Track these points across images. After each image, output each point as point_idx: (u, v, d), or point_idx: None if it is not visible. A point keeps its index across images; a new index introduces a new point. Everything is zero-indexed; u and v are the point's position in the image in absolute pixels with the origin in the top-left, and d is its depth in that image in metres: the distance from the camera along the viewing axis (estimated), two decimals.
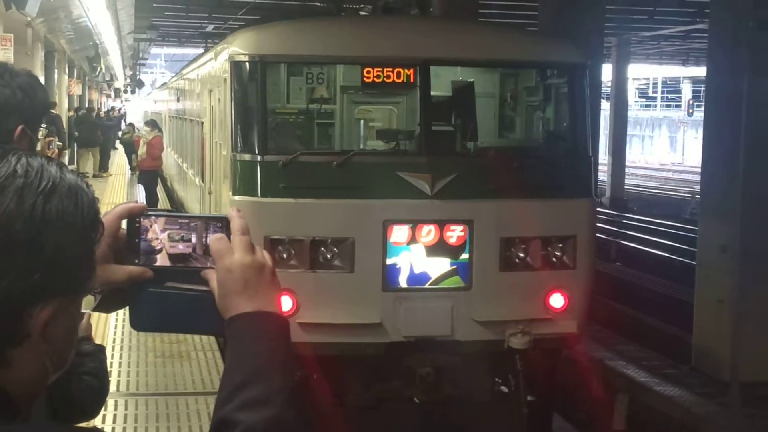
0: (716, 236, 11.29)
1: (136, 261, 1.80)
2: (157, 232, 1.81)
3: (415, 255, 8.49)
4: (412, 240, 8.49)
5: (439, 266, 8.55)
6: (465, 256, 8.59)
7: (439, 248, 8.51)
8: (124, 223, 1.81)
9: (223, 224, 1.79)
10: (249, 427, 1.58)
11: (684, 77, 68.76)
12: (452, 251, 8.56)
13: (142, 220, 1.81)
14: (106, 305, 1.83)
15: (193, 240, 1.81)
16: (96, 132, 29.70)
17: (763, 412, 10.33)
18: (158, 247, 1.81)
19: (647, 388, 10.94)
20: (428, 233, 8.47)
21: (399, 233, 8.46)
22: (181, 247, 1.81)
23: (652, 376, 11.35)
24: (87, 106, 38.00)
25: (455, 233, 8.55)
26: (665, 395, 10.71)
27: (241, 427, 1.58)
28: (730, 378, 10.02)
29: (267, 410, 1.60)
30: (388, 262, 8.46)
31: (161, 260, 1.81)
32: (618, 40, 44.79)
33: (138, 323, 1.85)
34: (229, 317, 1.70)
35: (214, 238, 1.76)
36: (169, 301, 1.80)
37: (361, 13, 15.37)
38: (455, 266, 8.60)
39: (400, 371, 8.72)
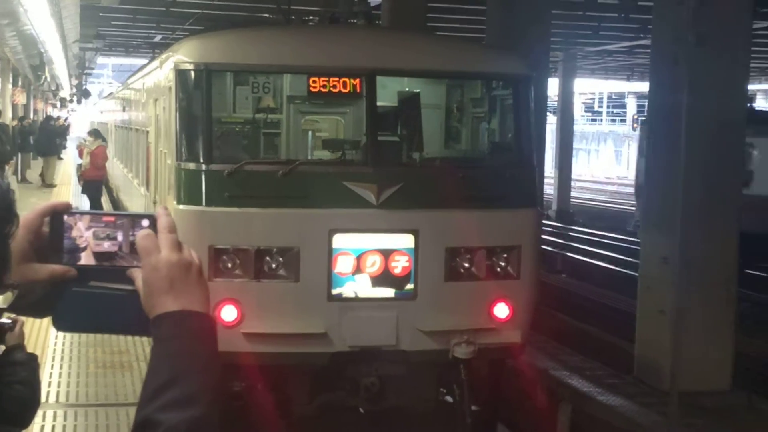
0: (658, 248, 11.44)
1: (60, 260, 1.76)
2: (82, 230, 1.77)
3: (360, 285, 8.52)
4: (357, 270, 8.51)
5: (384, 293, 8.60)
6: (410, 286, 8.63)
7: (384, 279, 8.56)
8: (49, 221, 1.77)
9: (150, 222, 1.76)
10: (171, 427, 1.56)
11: (629, 92, 69.65)
12: (397, 282, 8.60)
13: (66, 217, 1.77)
14: (31, 308, 1.78)
15: (120, 238, 1.77)
16: (55, 141, 29.35)
17: (702, 421, 10.47)
18: (83, 246, 1.77)
19: (590, 398, 11.03)
20: (373, 264, 8.50)
21: (344, 263, 8.47)
22: (106, 246, 1.77)
23: (595, 386, 11.45)
24: (46, 114, 37.53)
25: (400, 263, 8.59)
26: (607, 405, 10.81)
27: (163, 427, 1.55)
28: (669, 388, 10.14)
29: (190, 410, 1.57)
30: (334, 276, 8.47)
31: (86, 259, 1.77)
32: (564, 55, 45.26)
33: (61, 323, 1.80)
34: (154, 316, 1.67)
35: (140, 236, 1.73)
36: (93, 301, 1.76)
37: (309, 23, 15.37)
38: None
39: (344, 381, 8.71)
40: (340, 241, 8.54)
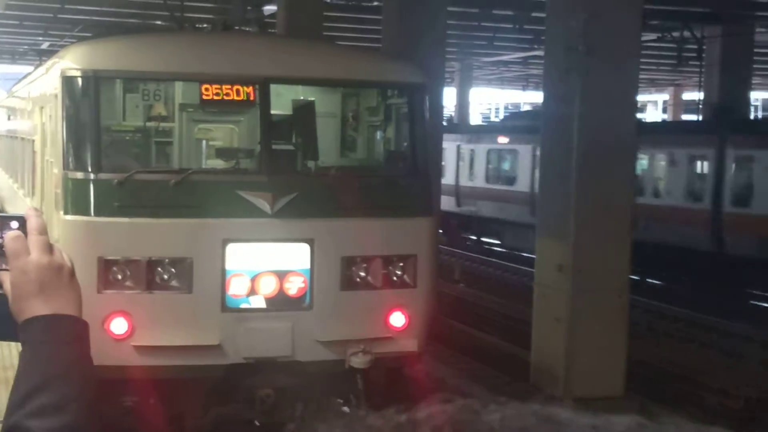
0: (553, 256, 11.59)
1: None
2: None
3: (254, 306, 8.48)
4: (252, 292, 8.41)
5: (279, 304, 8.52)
6: (306, 297, 8.55)
7: (279, 301, 8.52)
8: None
9: (19, 224, 1.68)
10: None
11: (524, 102, 70.76)
12: (292, 303, 8.55)
13: None
14: None
15: None
16: None
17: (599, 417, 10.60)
18: None
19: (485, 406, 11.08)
20: (268, 285, 8.43)
21: (238, 285, 8.38)
22: None
23: (492, 394, 11.52)
24: None
25: (295, 284, 8.52)
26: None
27: None
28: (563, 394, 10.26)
29: (61, 417, 1.53)
30: (227, 310, 8.37)
31: None
32: (460, 65, 45.79)
33: None
34: (23, 320, 1.62)
35: (9, 237, 1.66)
36: None
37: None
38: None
39: (239, 394, 8.58)
40: (234, 251, 8.41)
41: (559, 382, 10.79)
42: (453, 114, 48.82)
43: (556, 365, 11.23)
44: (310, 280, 8.61)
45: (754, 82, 37.22)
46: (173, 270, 8.33)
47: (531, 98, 64.45)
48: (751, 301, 22.35)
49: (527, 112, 42.85)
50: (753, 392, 12.82)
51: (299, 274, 8.58)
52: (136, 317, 8.23)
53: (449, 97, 48.22)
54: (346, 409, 8.86)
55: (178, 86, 9.36)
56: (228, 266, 8.40)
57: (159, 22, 23.42)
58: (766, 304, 22.10)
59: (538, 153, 29.41)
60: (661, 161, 26.02)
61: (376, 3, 23.49)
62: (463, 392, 11.59)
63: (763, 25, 30.62)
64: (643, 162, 25.25)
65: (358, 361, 8.54)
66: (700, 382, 13.49)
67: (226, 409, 8.62)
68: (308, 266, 8.60)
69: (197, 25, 13.93)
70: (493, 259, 28.33)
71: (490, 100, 76.53)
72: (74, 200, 8.38)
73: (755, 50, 32.56)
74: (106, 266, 8.18)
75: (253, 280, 8.46)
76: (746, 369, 15.86)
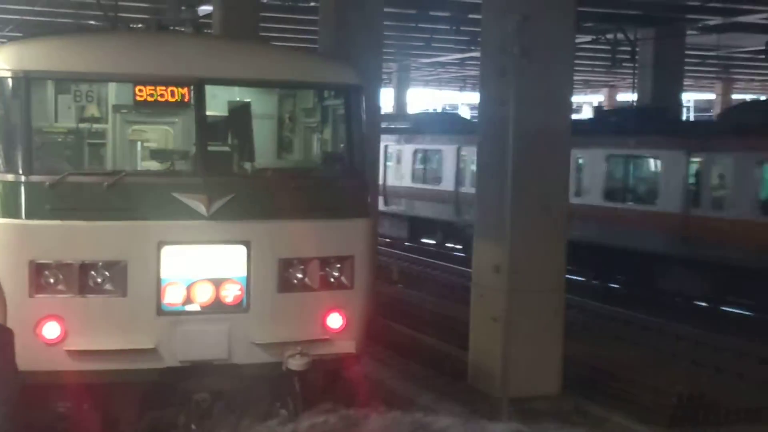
0: (490, 257, 11.65)
1: None
2: None
3: (191, 309, 8.42)
4: (188, 301, 8.36)
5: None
6: (243, 299, 8.49)
7: (215, 304, 8.47)
8: None
9: None
10: None
11: (462, 103, 71.13)
12: (229, 306, 8.50)
13: None
14: None
15: None
16: None
17: (531, 426, 10.69)
18: None
19: (424, 406, 11.12)
20: (204, 293, 8.39)
21: (173, 294, 8.32)
22: None
23: (430, 394, 11.56)
24: None
25: (231, 293, 8.47)
26: (441, 412, 10.90)
27: None
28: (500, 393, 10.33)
29: None
30: (163, 313, 8.30)
31: None
32: (398, 66, 45.89)
33: None
34: None
35: None
36: None
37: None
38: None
39: (175, 397, 8.49)
40: (169, 253, 8.32)
41: (496, 382, 10.85)
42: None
43: (493, 365, 11.29)
44: (247, 283, 8.55)
45: (685, 83, 37.85)
46: (107, 273, 8.23)
47: (468, 99, 64.87)
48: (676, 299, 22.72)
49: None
50: (684, 389, 13.00)
51: (236, 282, 8.51)
52: (69, 321, 8.11)
53: (387, 98, 48.33)
54: (283, 411, 8.82)
55: (112, 87, 9.24)
56: (163, 269, 8.31)
57: (92, 22, 23.11)
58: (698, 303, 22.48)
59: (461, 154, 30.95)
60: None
61: (312, 3, 23.45)
62: (401, 393, 11.61)
63: (695, 28, 31.15)
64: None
65: (296, 364, 8.51)
66: (633, 380, 13.65)
67: (161, 414, 8.53)
68: (245, 269, 8.54)
69: (131, 25, 13.76)
70: (431, 260, 28.42)
71: (428, 101, 76.77)
72: (5, 203, 8.23)
73: (687, 52, 33.14)
74: (37, 270, 8.04)
75: (189, 288, 8.38)
76: (678, 367, 16.11)
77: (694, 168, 21.98)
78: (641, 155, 23.98)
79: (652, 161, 23.86)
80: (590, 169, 24.87)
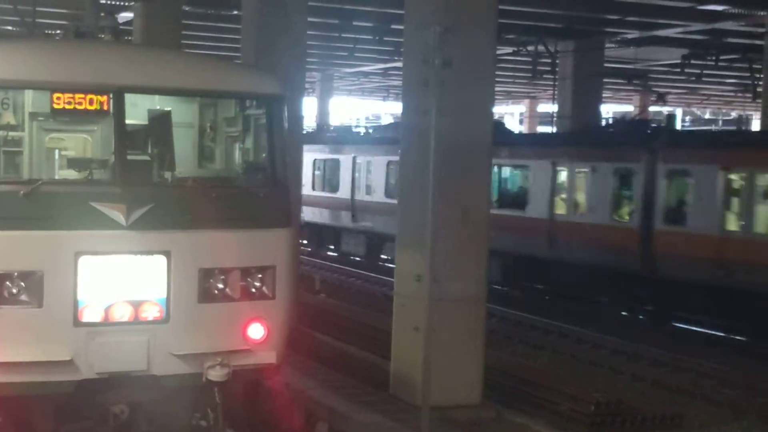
0: (412, 266, 11.71)
1: None
2: None
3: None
4: (106, 320, 8.25)
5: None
6: (162, 310, 8.41)
7: (134, 318, 8.35)
8: None
9: None
10: None
11: (385, 113, 71.36)
12: (148, 321, 8.40)
13: None
14: None
15: None
16: None
17: None
18: None
19: (346, 417, 11.13)
20: (122, 315, 8.28)
21: (91, 314, 8.19)
22: None
23: (352, 404, 11.56)
24: None
25: (151, 314, 8.38)
26: (363, 422, 10.93)
27: None
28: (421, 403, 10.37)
29: None
30: (80, 324, 8.15)
31: None
32: (321, 75, 45.88)
33: None
34: None
35: None
36: None
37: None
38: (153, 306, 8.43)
39: (92, 410, 8.35)
40: (87, 264, 8.19)
41: (418, 392, 10.89)
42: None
43: (415, 374, 11.34)
44: (167, 293, 8.46)
45: (604, 95, 38.52)
46: (22, 284, 8.06)
47: (391, 109, 65.10)
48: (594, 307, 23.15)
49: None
50: (602, 397, 13.22)
51: (155, 304, 8.40)
52: None
53: (310, 107, 48.28)
54: (203, 423, 8.74)
55: (29, 95, 9.08)
56: (80, 280, 8.18)
57: (9, 28, 22.66)
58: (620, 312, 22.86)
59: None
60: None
61: (235, 12, 23.34)
62: (323, 403, 11.59)
63: (613, 41, 31.74)
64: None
65: (216, 374, 8.44)
66: (553, 388, 13.84)
67: (78, 426, 8.39)
68: (165, 279, 8.44)
69: (47, 32, 13.54)
70: (354, 269, 28.45)
71: (351, 111, 76.88)
72: None
73: (606, 65, 33.73)
74: None
75: (107, 309, 8.26)
76: (597, 375, 16.37)
77: None
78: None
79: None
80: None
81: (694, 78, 36.44)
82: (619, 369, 16.82)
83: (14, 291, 8.05)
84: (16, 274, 8.05)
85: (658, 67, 38.95)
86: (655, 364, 17.09)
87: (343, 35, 29.91)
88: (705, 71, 34.12)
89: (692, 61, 31.58)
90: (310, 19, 18.10)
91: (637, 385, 15.76)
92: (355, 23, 28.08)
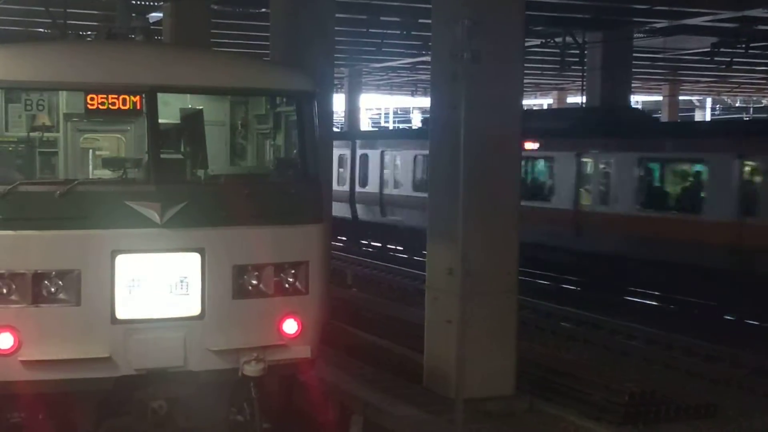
0: (443, 259, 11.75)
1: None
2: None
3: (146, 306, 8.41)
4: (142, 309, 8.38)
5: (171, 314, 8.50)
6: (198, 306, 8.51)
7: (171, 301, 8.51)
8: None
9: None
10: None
11: (413, 107, 71.33)
12: (184, 317, 8.55)
13: None
14: None
15: None
16: None
17: (486, 426, 10.82)
18: None
19: (381, 410, 11.19)
20: (158, 311, 8.43)
21: (127, 310, 8.35)
22: None
23: (386, 397, 11.63)
24: None
25: (186, 300, 8.49)
26: (398, 415, 11.00)
27: None
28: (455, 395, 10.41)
29: None
30: (117, 321, 8.27)
31: None
32: (350, 71, 45.92)
33: None
34: None
35: None
36: None
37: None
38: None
39: (131, 406, 8.48)
40: (123, 262, 8.32)
41: (452, 384, 10.94)
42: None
43: (448, 367, 11.38)
44: (202, 290, 8.56)
45: (633, 85, 38.31)
46: (60, 283, 8.20)
47: (420, 103, 65.07)
48: (626, 297, 23.04)
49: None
50: (636, 387, 13.21)
51: (190, 289, 8.52)
52: (23, 332, 8.07)
53: (339, 103, 48.38)
54: (240, 417, 8.85)
55: (63, 96, 9.21)
56: (117, 278, 8.30)
57: (42, 30, 22.91)
58: (643, 300, 22.78)
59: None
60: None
61: (264, 10, 23.44)
62: (358, 397, 11.67)
63: (642, 31, 31.56)
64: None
65: (251, 369, 8.54)
66: (586, 378, 13.84)
67: (117, 422, 8.51)
68: (199, 276, 8.55)
69: (81, 33, 13.69)
70: (384, 263, 28.51)
71: (379, 105, 76.93)
72: None
73: (634, 54, 33.55)
74: None
75: (143, 296, 8.37)
76: (630, 365, 16.34)
77: None
78: None
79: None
80: None
81: (724, 66, 36.14)
82: (652, 359, 16.78)
83: (53, 290, 8.18)
84: (54, 273, 8.18)
85: (687, 55, 38.68)
86: (689, 353, 17.03)
87: (371, 30, 29.94)
88: (735, 59, 33.86)
89: (722, 49, 31.35)
90: (337, 15, 18.15)
91: (671, 375, 15.71)
92: (382, 18, 28.08)
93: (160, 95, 8.74)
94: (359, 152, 35.42)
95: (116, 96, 8.53)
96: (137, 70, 8.70)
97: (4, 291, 8.06)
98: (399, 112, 77.85)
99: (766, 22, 29.85)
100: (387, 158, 33.81)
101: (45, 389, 8.10)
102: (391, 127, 72.76)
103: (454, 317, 11.03)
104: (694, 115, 67.20)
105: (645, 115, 34.59)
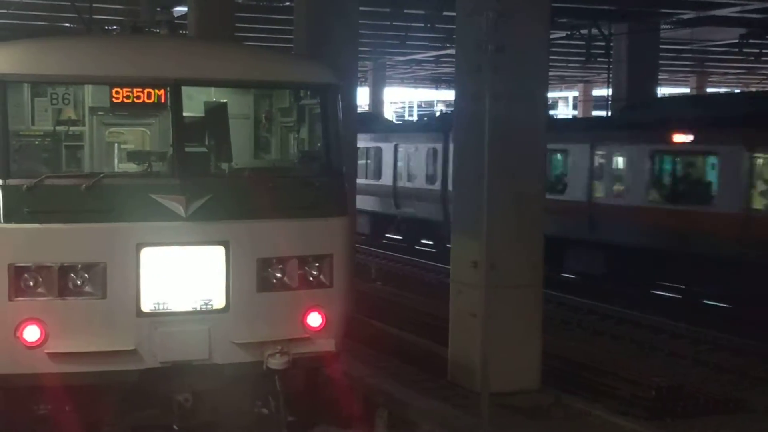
0: (467, 252, 11.70)
1: None
2: None
3: (171, 299, 8.45)
4: (167, 301, 8.42)
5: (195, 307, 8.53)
6: (222, 299, 8.53)
7: (195, 293, 8.53)
8: None
9: None
10: None
11: (438, 100, 71.23)
12: (208, 310, 8.56)
13: None
14: None
15: None
16: None
17: (512, 420, 10.78)
18: None
19: (406, 403, 11.18)
20: (183, 304, 8.46)
21: (152, 303, 8.38)
22: None
23: (411, 391, 11.61)
24: None
25: (210, 293, 8.50)
26: (423, 409, 10.97)
27: None
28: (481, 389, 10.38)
29: None
30: (143, 314, 8.30)
31: None
32: (374, 64, 45.90)
33: None
34: None
35: None
36: None
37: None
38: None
39: (156, 398, 8.50)
40: (148, 255, 8.33)
41: (476, 378, 10.90)
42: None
43: (473, 361, 11.35)
44: (226, 283, 8.57)
45: (660, 77, 38.07)
46: (86, 275, 8.23)
47: (444, 96, 64.96)
48: (652, 291, 22.82)
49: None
50: (663, 381, 13.13)
51: (215, 282, 8.52)
52: (50, 324, 8.11)
53: (363, 96, 48.37)
54: (265, 410, 8.85)
55: (88, 89, 9.24)
56: (142, 271, 8.32)
57: (67, 24, 23.02)
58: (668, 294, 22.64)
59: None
60: None
61: (287, 3, 23.46)
62: (383, 390, 11.66)
63: (669, 22, 31.33)
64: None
65: (276, 363, 8.54)
66: (612, 373, 13.77)
67: (143, 415, 8.54)
68: (224, 269, 8.55)
69: (106, 27, 13.74)
70: (408, 257, 28.49)
71: (403, 98, 76.89)
72: None
73: (661, 46, 33.32)
74: (17, 273, 8.04)
75: (168, 289, 8.39)
76: (657, 359, 16.25)
77: None
78: None
79: None
80: None
81: (753, 57, 35.84)
82: (679, 353, 16.68)
83: (78, 282, 8.22)
84: (80, 266, 8.22)
85: (714, 47, 38.39)
86: (716, 347, 16.91)
87: (395, 23, 29.90)
88: (764, 50, 33.58)
89: (750, 41, 31.08)
90: (361, 8, 18.11)
91: (698, 370, 15.61)
92: (406, 11, 28.04)
93: (184, 89, 8.76)
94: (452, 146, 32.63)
95: (141, 89, 8.56)
96: (162, 63, 8.72)
97: (31, 284, 8.09)
98: (423, 106, 77.74)
99: None
100: None
101: (71, 381, 8.13)
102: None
103: (478, 311, 10.98)
104: None
105: None
